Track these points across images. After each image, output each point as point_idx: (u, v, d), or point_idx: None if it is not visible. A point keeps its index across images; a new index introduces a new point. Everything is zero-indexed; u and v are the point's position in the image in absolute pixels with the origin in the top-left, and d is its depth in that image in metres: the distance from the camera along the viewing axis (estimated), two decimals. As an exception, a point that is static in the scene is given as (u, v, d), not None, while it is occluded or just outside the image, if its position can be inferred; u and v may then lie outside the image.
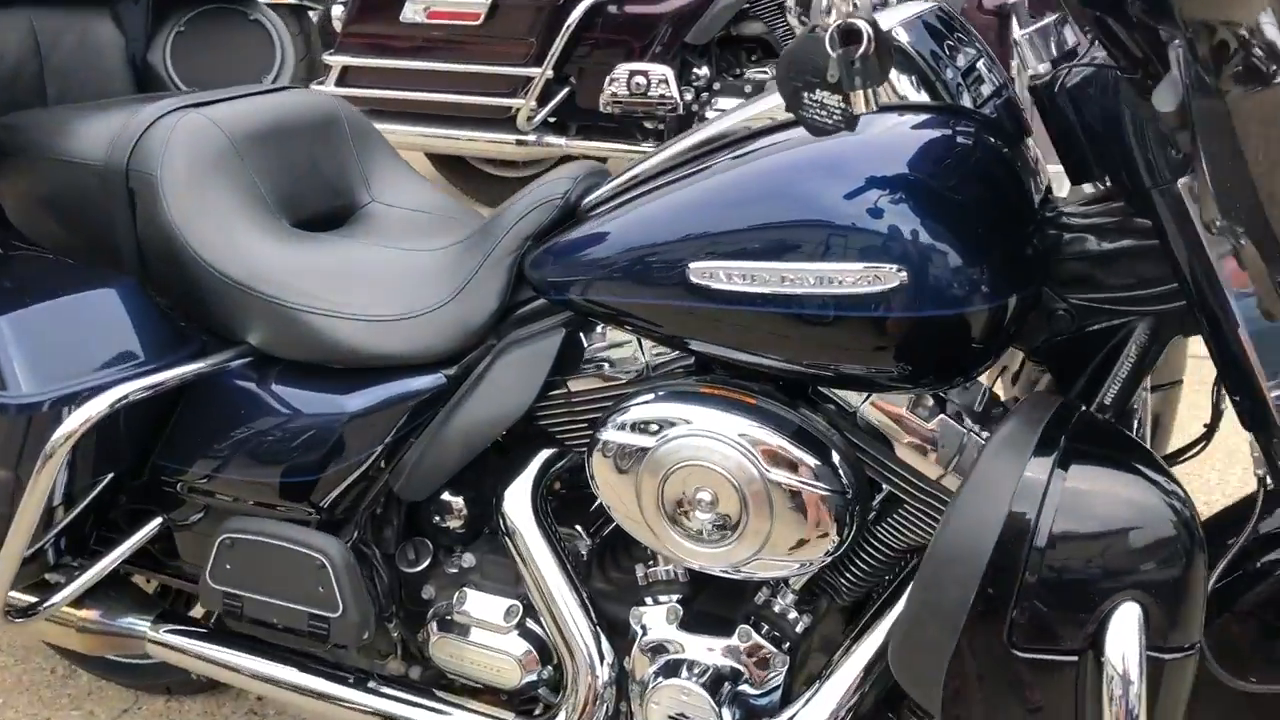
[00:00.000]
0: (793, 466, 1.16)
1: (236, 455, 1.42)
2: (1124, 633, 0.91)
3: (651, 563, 1.37)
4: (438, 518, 1.47)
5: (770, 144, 1.19)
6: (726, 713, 1.29)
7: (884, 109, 1.18)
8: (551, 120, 3.86)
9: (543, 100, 3.71)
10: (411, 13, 3.74)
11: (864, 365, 1.14)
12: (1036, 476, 0.94)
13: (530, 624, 1.42)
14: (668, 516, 1.22)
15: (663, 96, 3.55)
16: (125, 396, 1.33)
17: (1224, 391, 1.18)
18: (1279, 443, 0.98)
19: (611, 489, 1.26)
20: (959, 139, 1.13)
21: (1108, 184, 1.15)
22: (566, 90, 3.74)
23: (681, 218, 1.19)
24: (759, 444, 1.17)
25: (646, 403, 1.24)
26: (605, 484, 1.27)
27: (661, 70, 3.56)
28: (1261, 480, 1.07)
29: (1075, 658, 0.93)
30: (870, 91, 0.89)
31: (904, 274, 1.06)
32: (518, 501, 1.37)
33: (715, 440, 1.18)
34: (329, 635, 1.40)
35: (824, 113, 0.93)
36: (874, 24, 0.89)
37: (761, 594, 1.34)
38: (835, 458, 1.17)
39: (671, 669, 1.32)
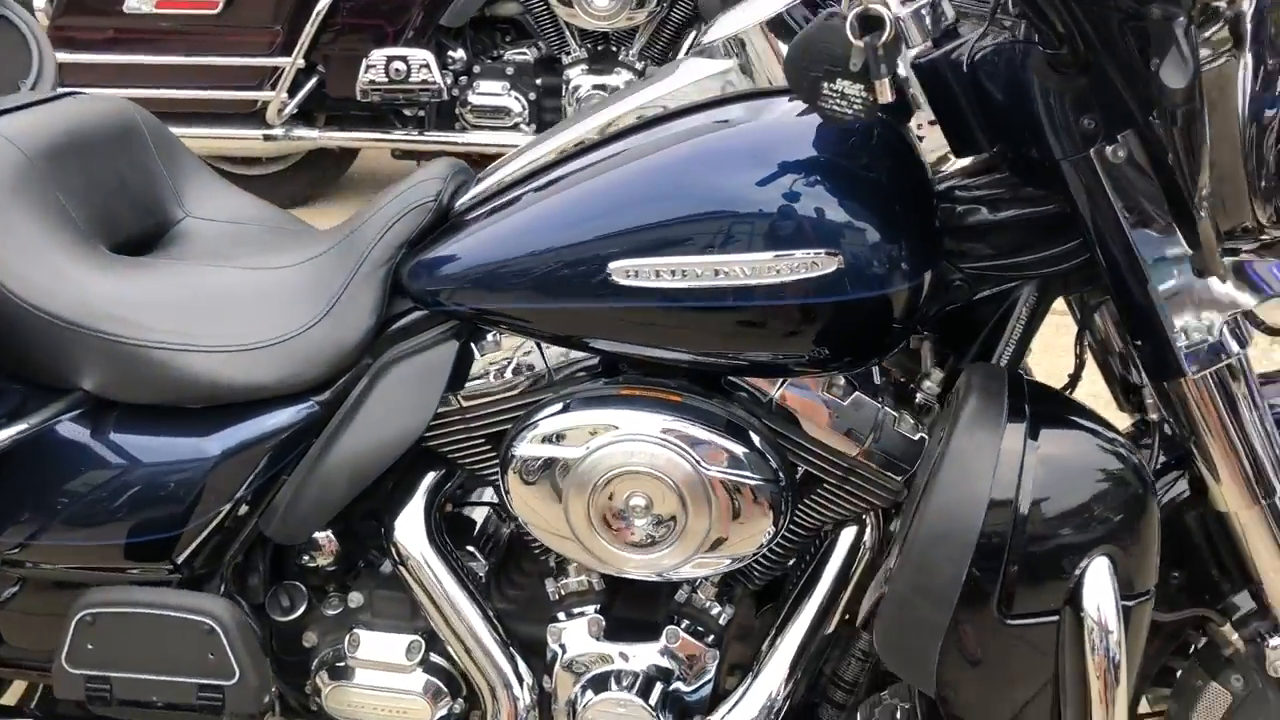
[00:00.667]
0: (727, 460, 1.14)
1: (78, 520, 1.24)
2: (1099, 586, 0.95)
3: (561, 575, 1.31)
4: (307, 558, 1.35)
5: (673, 134, 1.15)
6: (665, 717, 1.26)
7: (776, 92, 1.18)
8: (295, 113, 3.63)
9: (294, 92, 3.47)
10: (137, 1, 3.38)
11: (792, 350, 1.13)
12: (1012, 448, 0.97)
13: (434, 657, 1.33)
14: (599, 528, 1.17)
15: (425, 82, 3.41)
16: None
17: (1085, 346, 1.27)
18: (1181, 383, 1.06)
19: (532, 507, 1.20)
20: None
21: (991, 155, 1.19)
22: (315, 80, 3.52)
23: (594, 215, 1.14)
24: (691, 441, 1.14)
25: (563, 411, 1.18)
26: (524, 503, 1.20)
27: (422, 55, 3.41)
28: (1158, 424, 1.16)
29: (1055, 617, 0.97)
30: (889, 79, 0.88)
31: (839, 258, 1.06)
32: (410, 529, 1.28)
33: (646, 443, 1.14)
34: (224, 705, 1.24)
35: (844, 103, 0.91)
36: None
37: (681, 592, 1.31)
38: (763, 446, 1.16)
39: (601, 682, 1.27)
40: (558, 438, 1.17)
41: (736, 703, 1.27)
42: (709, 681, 1.30)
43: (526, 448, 1.18)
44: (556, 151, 1.23)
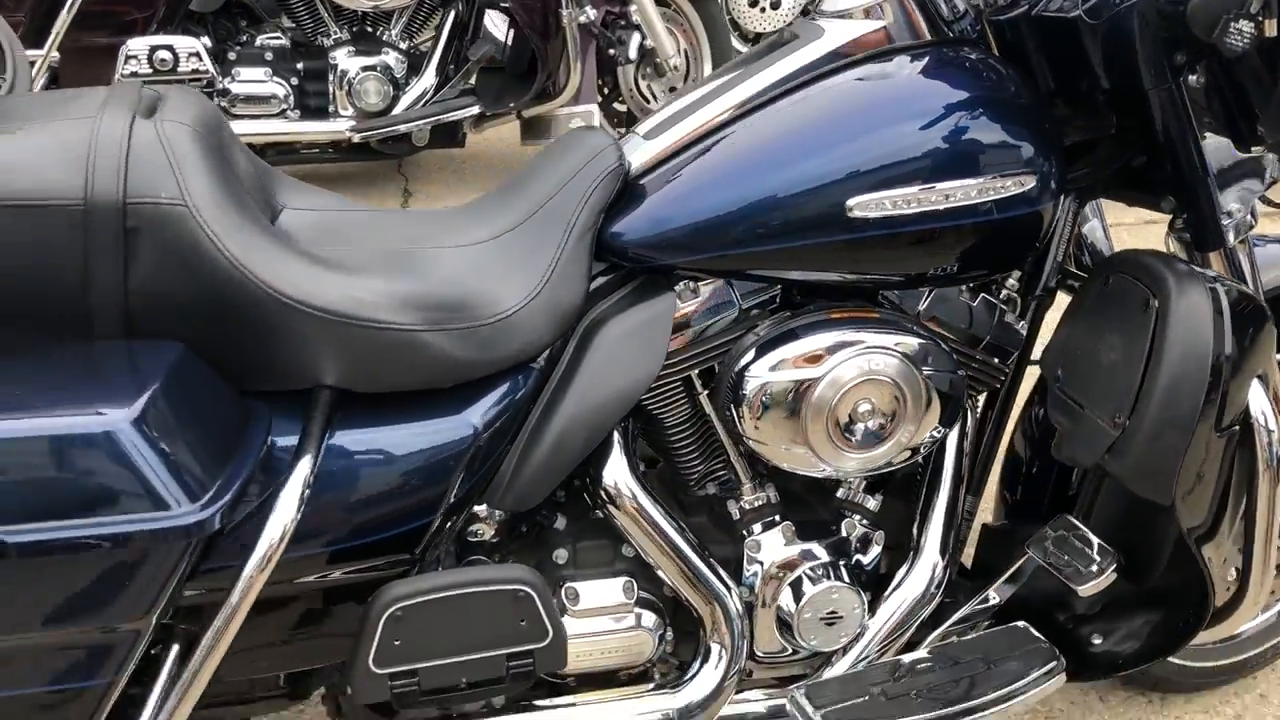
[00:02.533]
0: (931, 360, 1.35)
1: (333, 524, 1.19)
2: (1260, 400, 1.29)
3: (739, 496, 1.45)
4: (476, 529, 1.37)
5: (861, 85, 1.33)
6: (865, 594, 1.45)
7: (915, 47, 1.39)
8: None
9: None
10: None
11: (980, 259, 1.36)
12: (1216, 304, 1.27)
13: (643, 592, 1.42)
14: (833, 435, 1.33)
15: (196, 71, 3.16)
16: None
17: None
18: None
19: (767, 426, 1.33)
20: (992, 62, 1.39)
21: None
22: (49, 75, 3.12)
23: (819, 159, 1.28)
24: (905, 347, 1.33)
25: (794, 338, 1.32)
26: (758, 423, 1.32)
27: (190, 42, 3.15)
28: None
29: (1238, 427, 1.30)
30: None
31: (1034, 177, 1.31)
32: (618, 474, 1.35)
33: (877, 354, 1.32)
34: (534, 668, 1.26)
35: (1240, 39, 1.14)
36: None
37: (842, 490, 1.50)
38: (946, 346, 1.38)
39: (812, 578, 1.43)
40: (793, 361, 1.31)
41: (907, 574, 1.49)
42: (878, 560, 1.51)
43: (766, 374, 1.31)
44: (730, 109, 1.36)
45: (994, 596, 1.57)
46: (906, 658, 1.47)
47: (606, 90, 4.00)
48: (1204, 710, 1.94)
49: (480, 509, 1.33)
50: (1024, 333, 1.50)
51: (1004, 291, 1.51)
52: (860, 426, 1.34)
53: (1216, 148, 1.44)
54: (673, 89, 3.95)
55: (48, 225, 1.04)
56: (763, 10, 5.46)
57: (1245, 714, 1.89)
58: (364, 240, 1.32)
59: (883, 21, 1.38)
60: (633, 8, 3.60)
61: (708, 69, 4.01)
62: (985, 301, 1.45)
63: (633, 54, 3.64)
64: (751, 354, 1.33)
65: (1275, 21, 1.15)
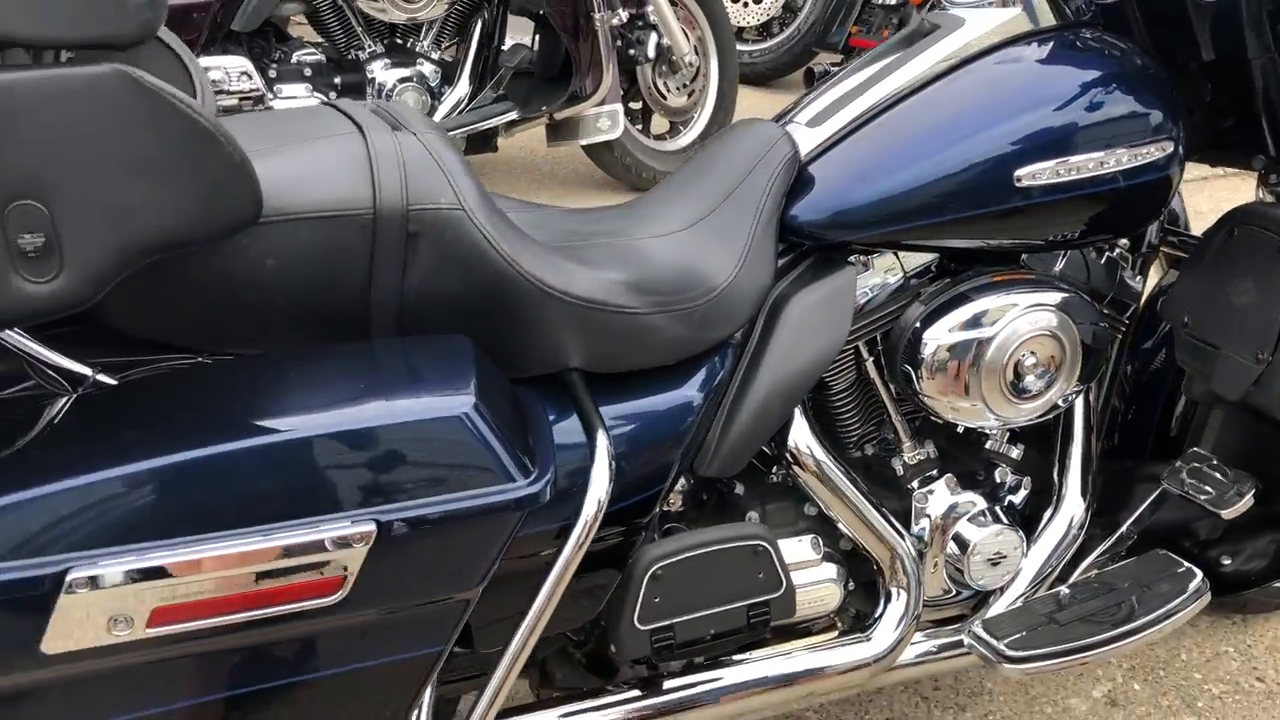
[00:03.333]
0: (1088, 315, 1.48)
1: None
2: None
3: (901, 453, 1.58)
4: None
5: (1010, 68, 1.47)
6: (1022, 532, 1.59)
7: (1041, 33, 1.52)
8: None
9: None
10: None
11: (1125, 221, 1.50)
12: None
13: (826, 546, 1.54)
14: (1005, 388, 1.46)
15: (246, 90, 3.21)
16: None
17: None
18: None
19: (944, 384, 1.45)
20: (1115, 40, 1.53)
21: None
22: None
23: (985, 135, 1.41)
24: (1064, 304, 1.47)
25: (965, 303, 1.45)
26: (935, 383, 1.45)
27: (239, 62, 3.21)
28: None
29: None
30: None
31: (1172, 143, 1.45)
32: (803, 438, 1.47)
33: (1043, 311, 1.45)
34: (770, 617, 1.37)
35: None
36: None
37: (990, 441, 1.63)
38: (1090, 301, 1.52)
39: (977, 524, 1.56)
40: (968, 324, 1.44)
41: (1053, 515, 1.63)
42: (1027, 498, 1.64)
43: (944, 336, 1.43)
44: (888, 95, 1.48)
45: (1129, 530, 1.71)
46: (1065, 589, 1.61)
47: (625, 89, 4.11)
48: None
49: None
50: (1139, 287, 1.65)
51: (1116, 250, 1.66)
52: (1029, 378, 1.47)
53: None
54: (686, 85, 4.08)
55: (340, 234, 1.13)
56: (745, 5, 5.61)
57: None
58: (579, 235, 1.43)
59: (1017, 9, 1.52)
60: (649, 8, 3.72)
61: (714, 64, 4.14)
62: (1109, 260, 1.60)
63: (651, 53, 3.76)
64: (926, 319, 1.46)
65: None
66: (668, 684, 1.45)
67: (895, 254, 1.50)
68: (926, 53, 1.51)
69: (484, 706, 1.19)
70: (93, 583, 0.91)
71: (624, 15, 3.61)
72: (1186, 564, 1.62)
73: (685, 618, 1.35)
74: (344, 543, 0.98)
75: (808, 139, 1.49)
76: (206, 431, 0.99)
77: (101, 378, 1.10)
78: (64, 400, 1.08)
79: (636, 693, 1.43)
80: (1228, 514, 1.56)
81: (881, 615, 1.54)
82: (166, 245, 0.98)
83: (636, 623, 1.32)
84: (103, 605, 0.92)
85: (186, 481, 0.96)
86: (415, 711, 1.15)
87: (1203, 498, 1.58)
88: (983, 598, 1.63)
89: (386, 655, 1.08)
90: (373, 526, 0.98)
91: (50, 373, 1.10)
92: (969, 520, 1.57)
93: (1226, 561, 1.67)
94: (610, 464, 1.21)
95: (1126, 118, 1.45)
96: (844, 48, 4.43)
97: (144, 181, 0.95)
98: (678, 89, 4.20)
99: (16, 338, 1.06)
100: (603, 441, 1.22)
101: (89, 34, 0.91)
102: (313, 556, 0.97)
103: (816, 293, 1.45)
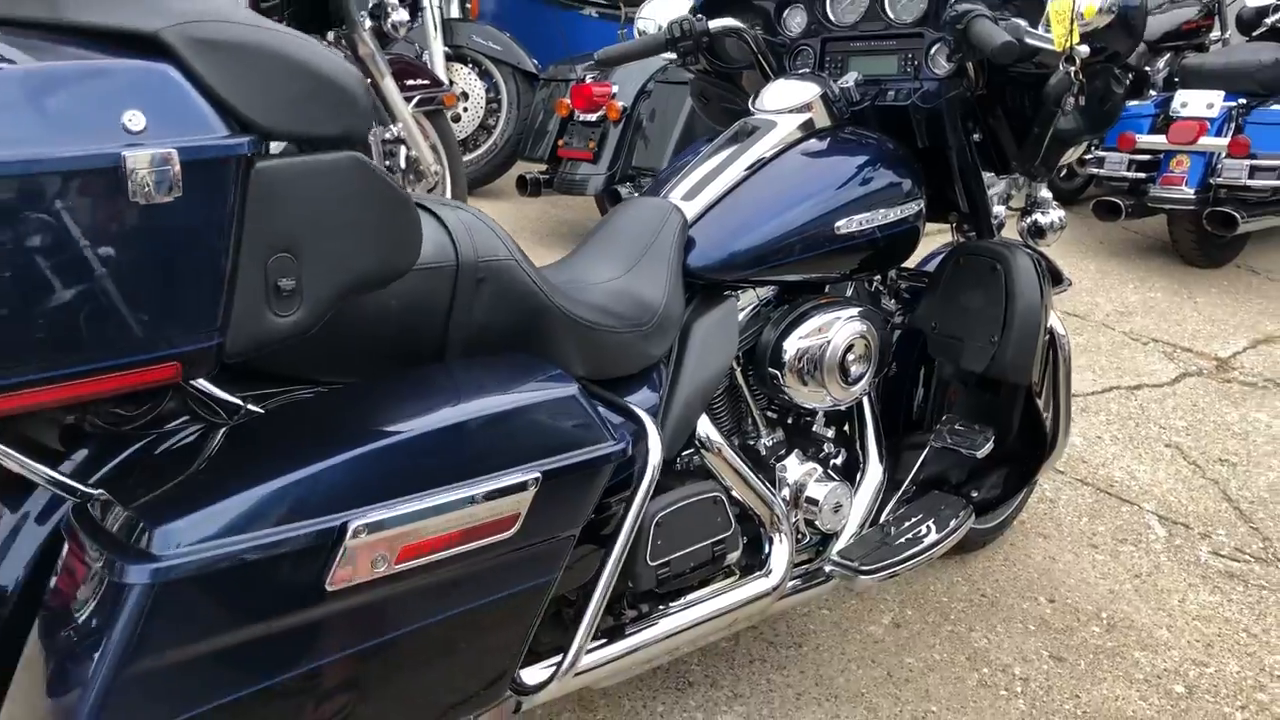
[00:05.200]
0: (879, 324, 2.12)
1: None
2: (1052, 318, 2.23)
3: (759, 438, 2.13)
4: None
5: (811, 154, 2.10)
6: (849, 485, 2.19)
7: (821, 131, 2.18)
8: None
9: None
10: None
11: (886, 261, 2.17)
12: (1033, 261, 2.17)
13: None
14: (839, 377, 2.06)
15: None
16: None
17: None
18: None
19: (798, 378, 2.02)
20: (878, 136, 2.21)
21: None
22: None
23: (809, 202, 2.01)
24: (869, 317, 2.10)
25: (807, 319, 2.03)
26: (794, 379, 2.02)
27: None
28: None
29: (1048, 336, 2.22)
30: None
31: (917, 203, 2.14)
32: (708, 429, 1.98)
33: (856, 321, 2.06)
34: (725, 551, 1.83)
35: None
36: None
37: (813, 426, 2.22)
38: (877, 313, 2.17)
39: (820, 484, 2.13)
40: (815, 333, 2.02)
41: (864, 474, 2.25)
42: (844, 467, 2.25)
43: (799, 344, 2.01)
44: (736, 177, 2.06)
45: (913, 478, 2.37)
46: (883, 523, 2.22)
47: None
48: (989, 557, 2.89)
49: None
50: (892, 308, 2.34)
51: (874, 283, 2.34)
52: (852, 368, 2.08)
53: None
54: (430, 189, 4.53)
55: (433, 282, 1.51)
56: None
57: (1012, 550, 2.87)
58: (558, 280, 1.86)
59: (808, 114, 2.17)
60: (399, 125, 4.15)
61: (447, 172, 4.64)
62: (872, 290, 2.27)
63: (402, 163, 4.19)
64: (782, 334, 2.03)
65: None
66: (630, 629, 1.87)
67: (753, 289, 2.07)
68: (756, 145, 2.11)
69: (584, 628, 1.61)
70: (367, 530, 1.23)
71: (395, 129, 4.04)
72: (954, 497, 2.30)
73: (679, 554, 1.80)
74: (521, 488, 1.36)
75: (689, 209, 2.03)
76: (408, 421, 1.33)
77: (251, 407, 1.40)
78: (233, 422, 1.36)
79: (604, 640, 1.84)
80: (981, 454, 2.25)
81: (769, 556, 2.06)
82: (365, 285, 1.33)
83: (649, 560, 1.76)
84: (371, 547, 1.24)
85: (412, 454, 1.30)
86: (530, 634, 1.51)
87: (963, 446, 2.26)
88: (827, 539, 2.20)
89: (520, 583, 1.44)
90: (539, 474, 1.37)
91: (212, 405, 1.38)
92: (815, 481, 2.14)
93: (975, 494, 2.35)
94: (659, 434, 1.65)
95: (898, 186, 2.12)
96: (551, 157, 5.07)
97: (359, 237, 1.29)
98: (426, 192, 4.63)
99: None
100: (647, 419, 1.66)
101: (335, 131, 1.26)
102: (502, 500, 1.34)
103: (711, 319, 1.98)
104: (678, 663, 2.38)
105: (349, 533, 1.22)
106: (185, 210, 1.11)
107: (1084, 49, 1.89)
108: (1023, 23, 2.04)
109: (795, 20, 2.43)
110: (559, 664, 1.64)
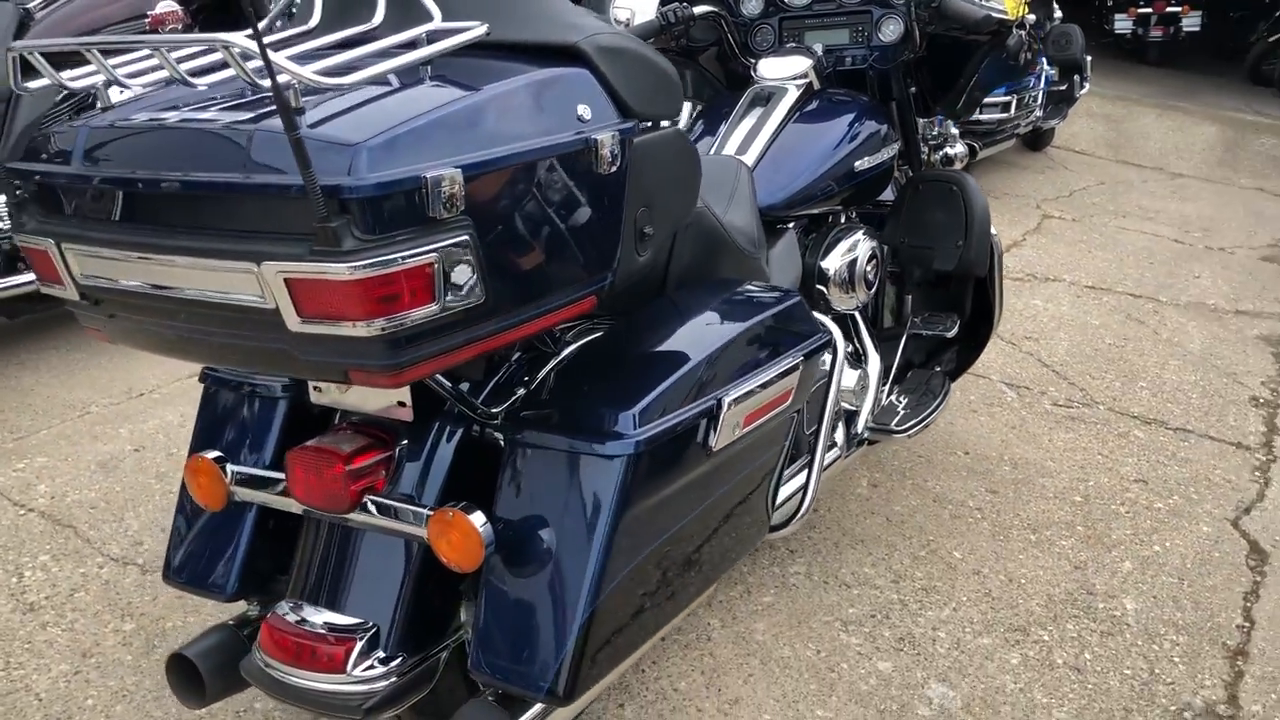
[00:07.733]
0: (877, 239, 2.71)
1: None
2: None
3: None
4: None
5: (824, 106, 2.63)
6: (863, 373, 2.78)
7: (824, 90, 2.73)
8: None
9: None
10: None
11: (876, 193, 2.76)
12: (973, 182, 2.79)
13: None
14: (862, 282, 2.62)
15: None
16: None
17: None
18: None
19: (840, 286, 2.57)
20: (858, 95, 2.78)
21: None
22: None
23: (833, 150, 2.55)
24: (870, 235, 2.67)
25: (842, 242, 2.59)
26: (835, 286, 2.57)
27: None
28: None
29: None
30: None
31: (895, 144, 2.73)
32: None
33: (868, 240, 2.64)
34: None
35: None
36: None
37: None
38: (875, 232, 2.75)
39: (852, 368, 2.71)
40: (846, 251, 2.58)
41: (867, 362, 2.85)
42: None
43: (836, 261, 2.56)
44: (774, 130, 2.56)
45: (900, 362, 2.98)
46: (891, 398, 2.83)
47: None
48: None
49: None
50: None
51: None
52: (869, 275, 2.65)
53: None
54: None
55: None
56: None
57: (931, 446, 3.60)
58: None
59: (806, 80, 2.70)
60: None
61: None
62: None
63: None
64: (823, 254, 2.57)
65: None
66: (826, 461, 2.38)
67: (795, 222, 2.59)
68: (779, 106, 2.63)
69: (817, 468, 2.12)
70: (735, 402, 1.66)
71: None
72: (930, 371, 2.95)
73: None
74: (795, 368, 1.83)
75: (747, 160, 2.51)
76: (725, 326, 1.77)
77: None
78: (580, 344, 1.75)
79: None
80: (950, 334, 2.91)
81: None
82: (678, 226, 1.74)
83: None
84: (736, 415, 1.68)
85: (737, 348, 1.74)
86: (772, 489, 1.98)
87: (936, 330, 2.91)
88: (850, 416, 2.78)
89: (782, 439, 1.92)
90: (803, 357, 1.85)
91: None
92: (847, 369, 2.71)
93: (937, 368, 3.01)
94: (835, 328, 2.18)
95: (881, 131, 2.70)
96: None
97: (680, 189, 1.70)
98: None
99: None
100: (819, 315, 2.16)
101: (670, 113, 1.65)
102: (788, 378, 1.81)
103: (781, 247, 2.49)
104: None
105: (724, 406, 1.65)
106: (615, 177, 1.50)
107: (1031, 17, 2.55)
108: None
109: (752, 3, 2.94)
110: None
